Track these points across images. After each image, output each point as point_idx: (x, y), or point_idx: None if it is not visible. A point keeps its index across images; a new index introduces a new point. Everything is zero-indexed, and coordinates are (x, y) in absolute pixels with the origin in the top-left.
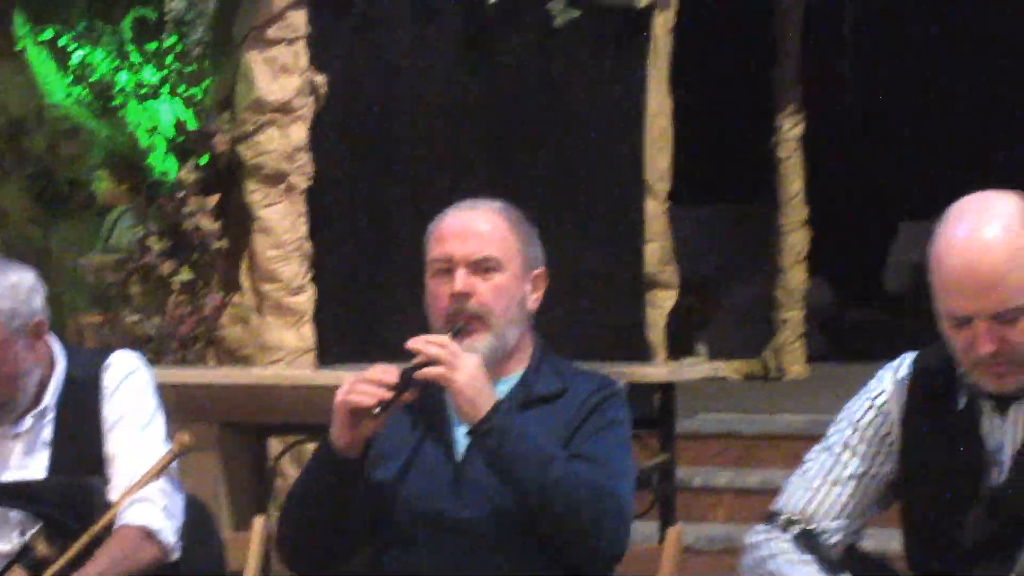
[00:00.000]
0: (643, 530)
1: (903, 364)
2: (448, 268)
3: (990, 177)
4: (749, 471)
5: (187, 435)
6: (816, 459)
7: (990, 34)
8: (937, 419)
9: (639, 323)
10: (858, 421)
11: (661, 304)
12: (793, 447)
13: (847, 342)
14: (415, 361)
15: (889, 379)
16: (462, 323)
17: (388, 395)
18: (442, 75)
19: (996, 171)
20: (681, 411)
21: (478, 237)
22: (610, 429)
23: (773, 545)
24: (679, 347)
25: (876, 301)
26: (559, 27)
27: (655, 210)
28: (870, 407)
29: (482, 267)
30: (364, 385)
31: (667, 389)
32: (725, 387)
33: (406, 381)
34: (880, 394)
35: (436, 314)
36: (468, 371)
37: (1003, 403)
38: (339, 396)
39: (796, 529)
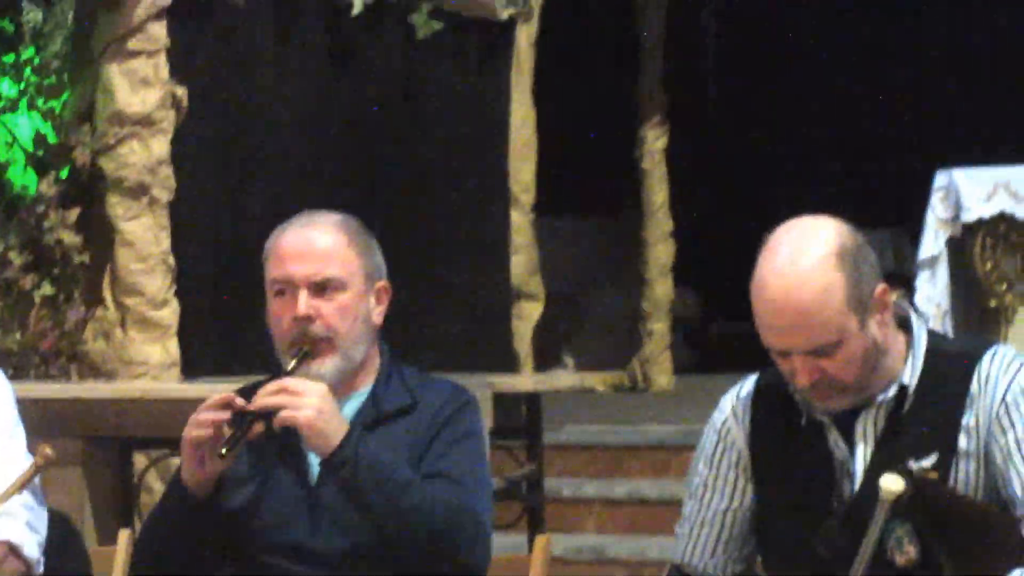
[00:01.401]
0: (512, 541)
1: (743, 387)
2: (289, 290)
3: (848, 189)
4: (617, 482)
5: (49, 448)
6: (687, 505)
7: (851, 48)
8: (784, 436)
9: (506, 334)
10: (711, 457)
11: (527, 316)
12: (660, 457)
13: (712, 353)
14: (255, 404)
15: (729, 405)
16: (307, 347)
17: (229, 430)
18: (305, 87)
19: (854, 183)
20: (549, 422)
21: (318, 257)
22: (464, 441)
23: None
24: (546, 358)
25: (741, 313)
26: (422, 39)
27: (520, 221)
28: (718, 440)
29: (324, 288)
30: (205, 417)
31: (533, 399)
32: (592, 398)
33: (249, 420)
34: (723, 423)
35: (279, 336)
36: (314, 405)
37: (847, 417)
38: (185, 434)
39: (675, 573)
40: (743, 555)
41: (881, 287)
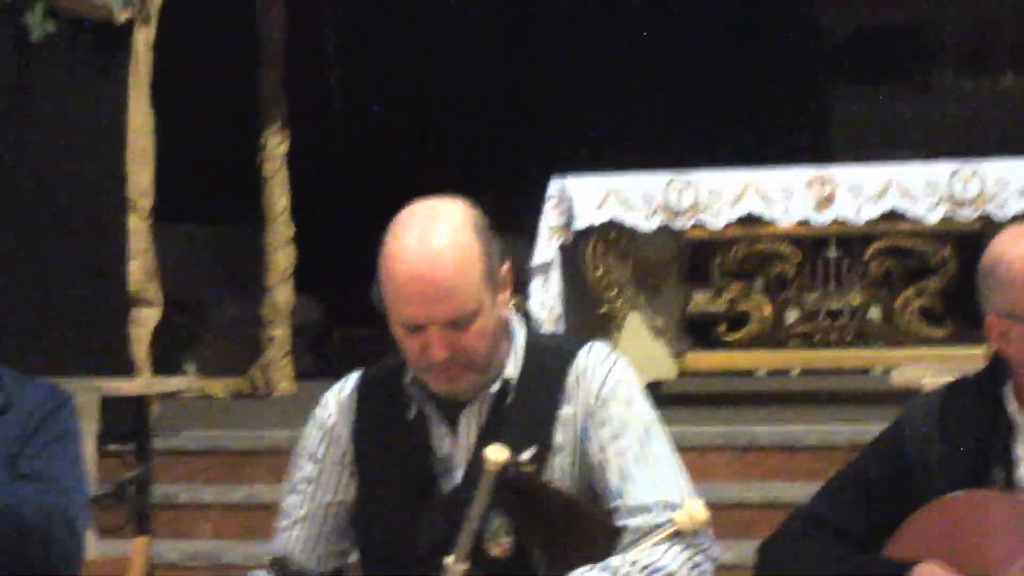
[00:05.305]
0: (121, 547)
1: (346, 384)
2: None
3: (466, 195)
4: (235, 487)
5: None
6: (286, 500)
7: (472, 56)
8: (387, 432)
9: (122, 341)
10: (314, 453)
11: (144, 322)
12: (279, 462)
13: (335, 358)
14: None
15: (333, 402)
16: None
17: None
18: None
19: (471, 190)
20: (166, 428)
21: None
22: (59, 442)
23: None
24: (167, 365)
25: (362, 317)
26: (36, 41)
27: (138, 227)
28: (322, 436)
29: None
30: None
31: (141, 403)
32: (213, 404)
33: None
34: (328, 418)
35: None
36: None
37: (451, 411)
38: None
39: (276, 568)
40: (340, 549)
41: (506, 266)
